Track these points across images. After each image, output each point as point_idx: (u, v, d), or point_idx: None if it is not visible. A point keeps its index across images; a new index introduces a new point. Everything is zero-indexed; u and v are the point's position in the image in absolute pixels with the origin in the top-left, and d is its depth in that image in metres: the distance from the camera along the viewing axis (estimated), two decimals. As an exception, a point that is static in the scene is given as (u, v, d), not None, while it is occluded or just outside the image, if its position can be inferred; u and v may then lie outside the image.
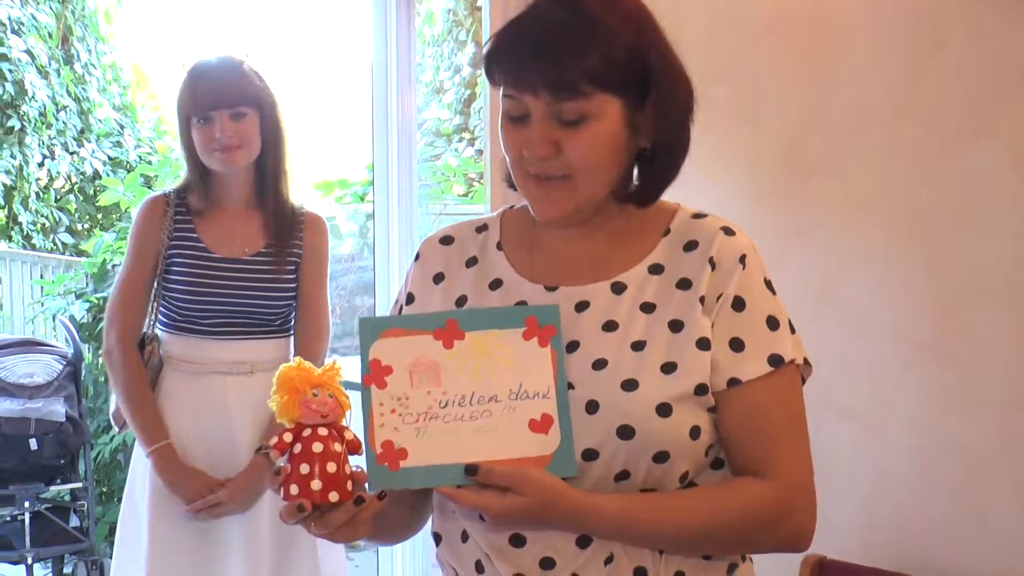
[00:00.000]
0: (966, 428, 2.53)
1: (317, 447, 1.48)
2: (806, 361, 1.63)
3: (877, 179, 2.64)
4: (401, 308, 1.77)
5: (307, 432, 1.49)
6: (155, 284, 3.09)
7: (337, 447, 1.48)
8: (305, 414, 1.49)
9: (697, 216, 1.66)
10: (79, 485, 5.14)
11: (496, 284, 1.69)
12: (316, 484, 1.47)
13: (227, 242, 3.10)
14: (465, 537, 1.63)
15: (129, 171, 8.30)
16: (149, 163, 8.67)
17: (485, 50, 1.60)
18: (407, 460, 1.52)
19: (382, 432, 1.52)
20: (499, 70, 1.58)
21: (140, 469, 3.13)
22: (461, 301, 1.69)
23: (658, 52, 1.58)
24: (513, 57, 1.55)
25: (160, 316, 3.12)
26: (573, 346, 1.58)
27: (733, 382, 1.56)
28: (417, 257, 1.78)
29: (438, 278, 1.74)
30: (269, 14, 11.90)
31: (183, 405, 3.08)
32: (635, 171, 1.64)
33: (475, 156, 8.97)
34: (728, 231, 1.62)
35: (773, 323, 1.59)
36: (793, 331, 1.62)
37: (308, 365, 1.51)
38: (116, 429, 3.27)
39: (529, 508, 1.49)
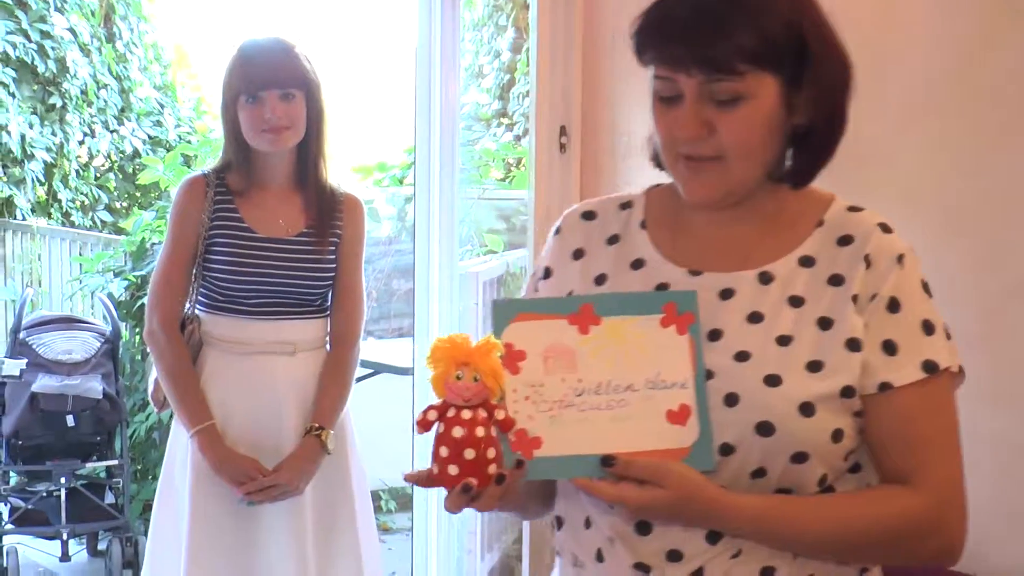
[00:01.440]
0: (1014, 426, 2.50)
1: (457, 432, 1.43)
2: (960, 369, 1.56)
3: (927, 172, 2.62)
4: (538, 282, 1.73)
5: (451, 412, 1.44)
6: (196, 265, 3.10)
7: (480, 431, 1.43)
8: (448, 395, 1.45)
9: (853, 209, 1.60)
10: (115, 462, 5.17)
11: (638, 264, 1.65)
12: (453, 469, 1.44)
13: (270, 222, 3.11)
14: (588, 523, 1.60)
15: (169, 150, 8.34)
16: (189, 143, 8.72)
17: (634, 29, 1.54)
18: (541, 449, 1.48)
19: (515, 419, 1.48)
20: (650, 50, 1.53)
21: (180, 449, 3.14)
22: (600, 279, 1.65)
23: (814, 26, 1.54)
24: (664, 36, 1.50)
25: (200, 296, 3.13)
26: (715, 335, 1.54)
27: (884, 386, 1.51)
28: (557, 231, 1.74)
29: (577, 254, 1.70)
30: (310, -4, 11.90)
31: (228, 386, 3.09)
32: (788, 152, 1.59)
33: (513, 141, 8.94)
34: (885, 228, 1.57)
35: (929, 328, 1.54)
36: (949, 337, 1.56)
37: (461, 340, 1.45)
38: (155, 409, 3.28)
39: (668, 501, 1.46)
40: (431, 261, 3.98)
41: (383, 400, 5.26)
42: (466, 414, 1.44)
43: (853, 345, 1.51)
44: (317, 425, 3.06)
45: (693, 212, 1.63)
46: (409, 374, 4.18)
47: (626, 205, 1.72)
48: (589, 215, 1.73)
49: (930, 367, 1.51)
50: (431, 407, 1.47)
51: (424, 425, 1.46)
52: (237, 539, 3.08)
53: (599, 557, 1.58)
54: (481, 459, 1.43)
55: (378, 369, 5.59)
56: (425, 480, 1.47)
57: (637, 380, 1.49)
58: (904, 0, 2.65)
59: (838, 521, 1.51)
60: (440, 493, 3.93)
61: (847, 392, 1.50)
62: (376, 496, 4.87)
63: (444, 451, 1.44)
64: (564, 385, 1.50)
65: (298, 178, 3.14)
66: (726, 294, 1.57)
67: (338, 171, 3.23)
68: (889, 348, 1.51)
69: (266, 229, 3.10)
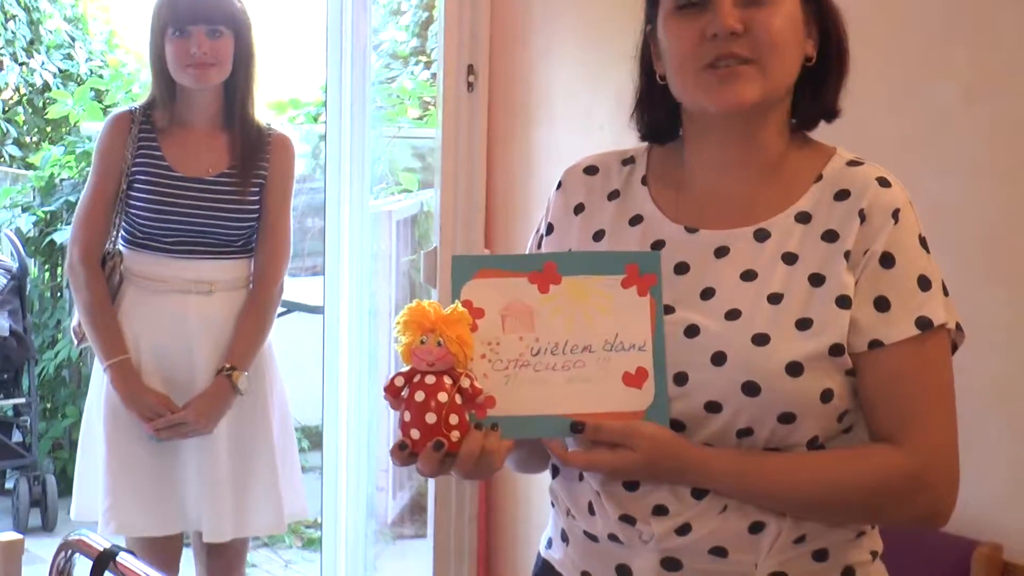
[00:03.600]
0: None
1: (419, 396, 1.43)
2: (958, 327, 1.53)
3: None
4: (541, 239, 1.71)
5: (417, 378, 1.44)
6: (119, 201, 3.08)
7: (442, 397, 1.42)
8: (413, 361, 1.44)
9: (853, 163, 1.57)
10: (22, 401, 5.12)
11: (636, 220, 1.62)
12: (415, 433, 1.43)
13: (192, 161, 3.11)
14: (581, 476, 1.58)
15: (80, 84, 8.17)
16: (100, 77, 8.53)
17: None
18: (495, 409, 1.47)
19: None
20: None
21: (98, 385, 3.15)
22: (599, 235, 1.63)
23: None
24: None
25: (123, 233, 3.13)
26: (708, 293, 1.52)
27: (875, 344, 1.48)
28: (559, 186, 1.72)
29: (578, 208, 1.68)
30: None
31: (142, 322, 3.10)
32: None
33: (431, 80, 8.88)
34: (884, 182, 1.53)
35: (924, 283, 1.50)
36: (946, 293, 1.52)
37: (428, 307, 1.44)
38: (75, 343, 3.29)
39: (639, 463, 1.46)
40: (342, 199, 3.97)
41: (296, 338, 5.24)
42: (429, 379, 1.43)
43: (843, 302, 1.48)
44: (228, 365, 3.06)
45: (695, 165, 1.62)
46: (321, 312, 4.17)
47: (628, 161, 1.70)
48: (591, 170, 1.70)
49: (924, 323, 1.48)
50: (399, 373, 1.46)
51: (391, 391, 1.46)
52: (154, 473, 3.10)
53: (590, 510, 1.58)
54: (442, 424, 1.43)
55: (291, 308, 5.56)
56: (397, 451, 1.46)
57: (595, 341, 1.48)
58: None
59: (812, 476, 1.49)
60: (353, 429, 3.93)
61: (836, 350, 1.47)
62: (288, 434, 4.86)
63: (407, 415, 1.44)
64: (521, 344, 1.48)
65: (225, 117, 3.14)
66: (720, 252, 1.55)
67: (260, 108, 3.21)
68: (881, 304, 1.48)
69: (187, 168, 3.09)
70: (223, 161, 3.12)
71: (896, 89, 2.50)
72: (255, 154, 3.14)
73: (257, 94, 3.17)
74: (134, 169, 3.08)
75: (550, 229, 1.70)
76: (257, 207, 3.14)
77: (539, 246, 1.72)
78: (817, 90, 1.60)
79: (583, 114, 3.22)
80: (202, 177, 3.09)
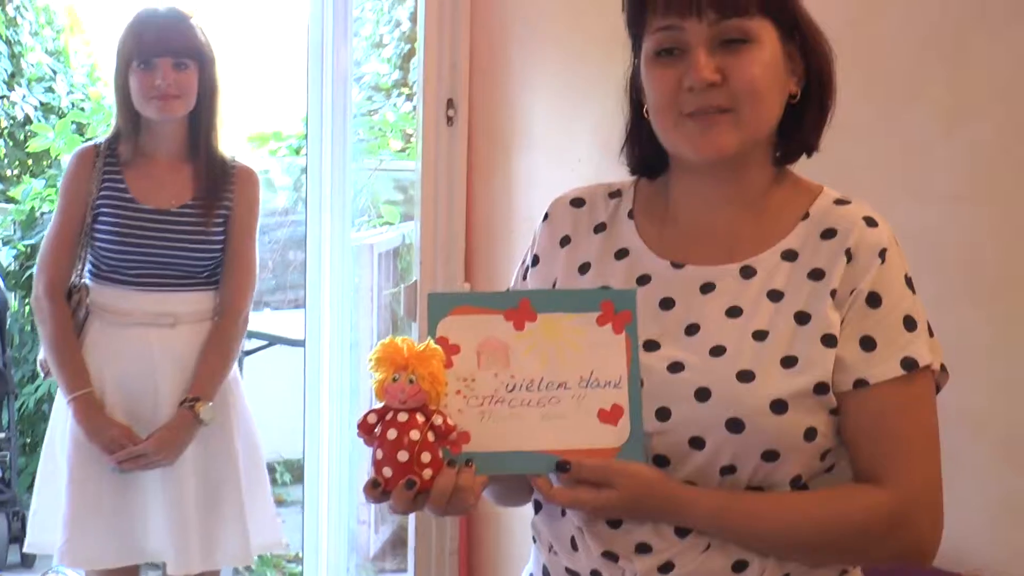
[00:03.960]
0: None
1: (391, 434, 1.42)
2: (943, 367, 1.53)
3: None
4: (527, 270, 1.71)
5: (389, 415, 1.44)
6: (84, 234, 3.08)
7: (415, 435, 1.42)
8: (386, 398, 1.44)
9: (840, 202, 1.57)
10: (1, 436, 5.07)
11: (622, 254, 1.63)
12: (387, 471, 1.43)
13: (155, 193, 3.11)
14: (564, 512, 1.58)
15: (61, 117, 8.16)
16: (82, 110, 8.52)
17: None
18: (469, 444, 1.47)
19: (445, 413, 1.46)
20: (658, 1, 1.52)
21: (60, 418, 3.15)
22: (584, 268, 1.63)
23: (799, 3, 1.58)
24: None
25: (89, 266, 3.13)
26: (693, 329, 1.52)
27: (860, 383, 1.48)
28: (546, 217, 1.71)
29: (564, 241, 1.67)
30: (208, -39, 11.69)
31: (106, 355, 3.09)
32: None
33: (412, 112, 8.89)
34: (871, 222, 1.53)
35: (910, 324, 1.50)
36: (931, 334, 1.52)
37: (402, 344, 1.44)
38: (42, 376, 3.30)
39: (622, 502, 1.46)
40: (323, 232, 3.96)
41: (277, 371, 5.23)
42: (401, 417, 1.43)
43: (828, 341, 1.48)
44: (191, 396, 3.05)
45: (681, 200, 1.62)
46: (302, 345, 4.16)
47: (615, 194, 1.69)
48: (578, 202, 1.70)
49: (909, 364, 1.48)
50: (371, 410, 1.46)
51: (364, 428, 1.45)
52: (117, 506, 3.08)
53: (573, 546, 1.57)
54: (414, 462, 1.42)
55: (272, 340, 5.55)
56: (370, 489, 1.45)
57: (571, 378, 1.49)
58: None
59: (796, 516, 1.49)
60: (334, 462, 3.92)
61: (820, 389, 1.47)
62: (271, 468, 4.84)
63: (379, 454, 1.44)
64: (496, 381, 1.49)
65: (189, 149, 3.15)
66: (706, 288, 1.55)
67: (232, 140, 3.22)
68: (867, 344, 1.48)
69: (151, 200, 3.10)
70: (187, 193, 3.13)
71: (875, 115, 2.51)
72: (219, 186, 3.14)
73: (221, 127, 3.18)
74: (99, 202, 3.08)
75: (536, 261, 1.70)
76: (221, 239, 3.14)
77: (524, 277, 1.72)
78: (799, 127, 1.59)
79: (563, 146, 3.22)
80: (166, 209, 3.09)
